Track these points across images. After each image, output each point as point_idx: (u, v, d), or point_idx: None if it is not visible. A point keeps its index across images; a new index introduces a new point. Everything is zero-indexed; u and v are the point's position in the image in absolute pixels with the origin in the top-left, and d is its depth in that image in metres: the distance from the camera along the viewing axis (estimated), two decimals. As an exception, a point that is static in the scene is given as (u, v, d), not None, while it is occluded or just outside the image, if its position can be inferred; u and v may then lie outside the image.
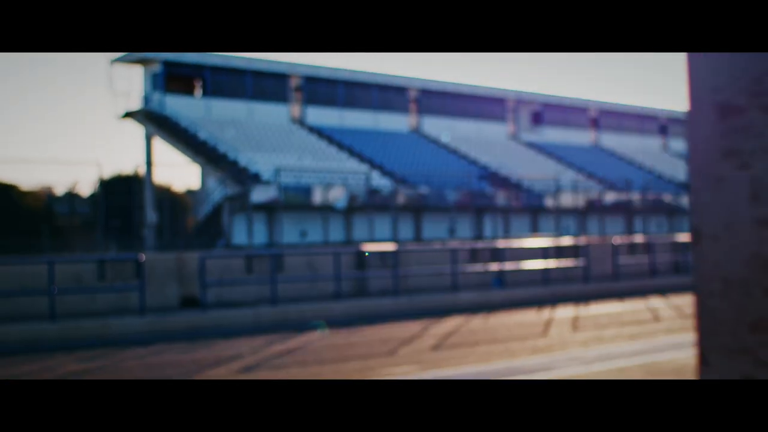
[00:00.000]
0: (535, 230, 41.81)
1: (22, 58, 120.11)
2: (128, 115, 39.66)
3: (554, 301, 20.96)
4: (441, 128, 48.15)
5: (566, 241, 27.24)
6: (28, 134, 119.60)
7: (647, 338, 13.16)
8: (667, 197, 47.70)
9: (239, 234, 33.82)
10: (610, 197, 45.14)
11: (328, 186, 35.75)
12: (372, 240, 33.56)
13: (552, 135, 53.48)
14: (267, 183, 34.77)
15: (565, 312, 18.25)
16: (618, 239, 27.87)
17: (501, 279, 22.88)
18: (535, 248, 24.22)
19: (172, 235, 35.46)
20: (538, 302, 20.69)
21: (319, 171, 36.85)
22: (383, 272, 21.03)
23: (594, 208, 43.89)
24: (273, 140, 40.11)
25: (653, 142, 59.59)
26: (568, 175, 46.30)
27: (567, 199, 42.77)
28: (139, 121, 39.82)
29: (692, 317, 16.38)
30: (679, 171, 55.12)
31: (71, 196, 38.04)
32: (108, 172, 40.18)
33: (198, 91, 41.53)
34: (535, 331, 14.61)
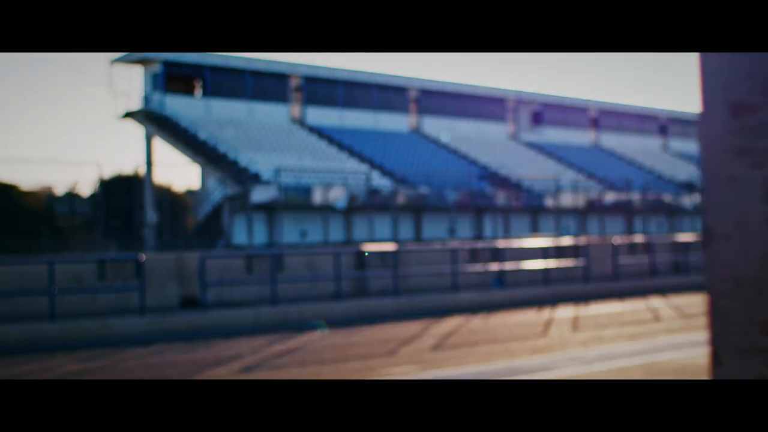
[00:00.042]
0: (535, 230, 41.81)
1: (22, 58, 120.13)
2: (128, 115, 39.66)
3: (554, 301, 20.95)
4: (441, 128, 48.15)
5: (566, 241, 27.24)
6: (28, 134, 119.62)
7: (647, 338, 13.16)
8: (667, 197, 47.70)
9: (239, 234, 33.82)
10: (610, 197, 45.14)
11: (328, 186, 35.75)
12: (372, 240, 33.56)
13: (552, 135, 53.48)
14: (267, 183, 34.77)
15: (565, 312, 18.25)
16: (618, 239, 27.87)
17: (501, 279, 22.88)
18: (535, 248, 24.22)
19: (172, 235, 35.46)
20: (538, 302, 20.69)
21: (319, 171, 36.85)
22: (383, 272, 21.03)
23: (594, 208, 43.89)
24: (273, 140, 40.11)
25: (653, 142, 59.58)
26: (568, 175, 46.30)
27: (567, 199, 42.76)
28: (139, 121, 39.82)
29: (692, 317, 16.40)
30: (679, 171, 55.12)
31: (71, 196, 38.05)
32: (108, 172, 40.20)
33: (198, 91, 41.53)
34: (535, 331, 14.61)
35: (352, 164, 40.06)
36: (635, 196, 45.62)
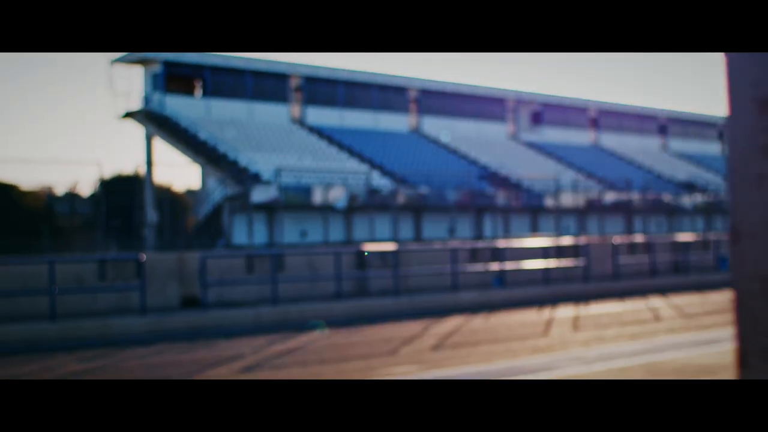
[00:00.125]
0: (535, 230, 41.80)
1: (22, 58, 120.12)
2: (128, 115, 39.65)
3: (555, 300, 20.95)
4: (441, 128, 48.14)
5: (566, 240, 27.24)
6: (28, 134, 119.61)
7: (648, 338, 13.16)
8: (667, 197, 47.70)
9: (239, 234, 33.81)
10: (610, 197, 45.14)
11: (328, 186, 35.74)
12: (372, 240, 33.56)
13: (552, 135, 53.47)
14: (267, 183, 34.77)
15: (565, 312, 18.25)
16: (618, 239, 27.87)
17: (501, 279, 22.87)
18: (535, 248, 24.22)
19: (172, 235, 35.45)
20: (539, 302, 20.69)
21: (319, 171, 36.85)
22: (384, 272, 21.03)
23: (594, 207, 43.89)
24: (273, 140, 40.10)
25: (653, 142, 59.58)
26: (567, 175, 46.30)
27: (567, 199, 42.76)
28: (140, 121, 39.81)
29: (693, 317, 16.40)
30: (678, 171, 55.13)
31: (71, 196, 38.04)
32: (108, 172, 40.19)
33: (198, 91, 41.52)
34: (536, 331, 14.61)
35: (352, 164, 40.06)
36: (635, 196, 45.62)
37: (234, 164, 36.59)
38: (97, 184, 31.54)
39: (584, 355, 11.33)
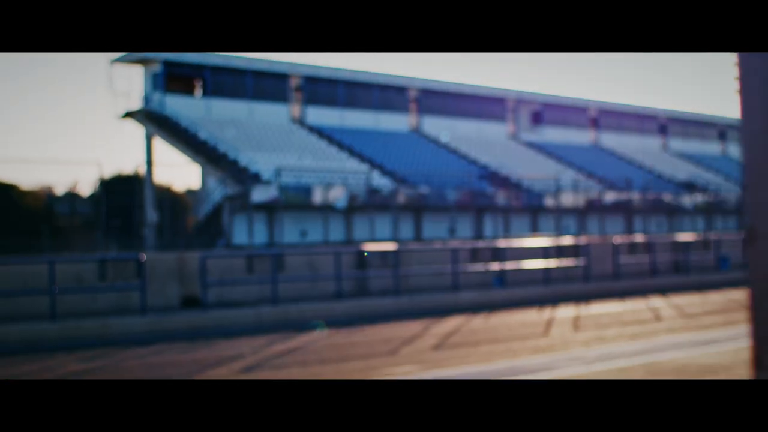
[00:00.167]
0: (535, 230, 41.79)
1: (22, 58, 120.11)
2: (128, 115, 39.63)
3: (555, 300, 20.95)
4: (441, 128, 48.13)
5: (566, 240, 27.24)
6: (28, 134, 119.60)
7: (648, 338, 13.15)
8: (667, 197, 47.69)
9: (239, 234, 33.80)
10: (610, 197, 45.13)
11: (328, 186, 35.73)
12: (372, 240, 33.55)
13: (552, 135, 53.46)
14: (267, 183, 34.75)
15: (566, 311, 18.24)
16: (618, 239, 27.86)
17: (502, 278, 22.87)
18: (535, 248, 24.21)
19: (172, 235, 35.45)
20: (539, 302, 20.69)
21: (319, 171, 36.84)
22: (384, 272, 21.02)
23: (594, 207, 43.87)
24: (273, 140, 40.09)
25: (653, 142, 59.56)
26: (568, 175, 46.29)
27: (567, 199, 42.75)
28: (140, 121, 39.80)
29: (693, 317, 16.39)
30: (678, 170, 55.12)
31: (71, 196, 38.02)
32: (108, 172, 40.15)
33: (198, 91, 41.50)
34: (536, 331, 14.60)
35: (353, 164, 40.04)
36: (635, 196, 45.61)
37: (234, 164, 36.58)
38: (97, 184, 31.53)
39: (585, 355, 11.33)
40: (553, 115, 53.97)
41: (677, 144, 60.92)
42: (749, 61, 2.81)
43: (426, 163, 42.75)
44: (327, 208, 35.72)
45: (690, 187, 51.52)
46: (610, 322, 15.78)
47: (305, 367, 10.97)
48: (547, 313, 18.03)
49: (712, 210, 48.73)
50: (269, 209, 34.63)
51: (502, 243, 24.93)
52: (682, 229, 45.21)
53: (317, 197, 35.23)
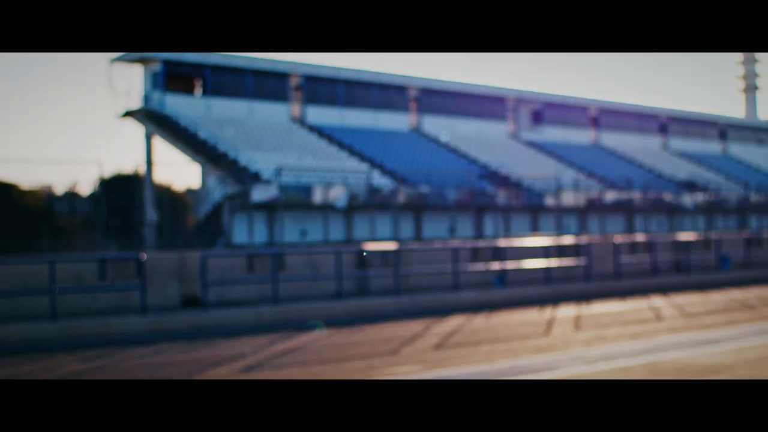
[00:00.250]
0: (535, 229, 41.78)
1: (22, 58, 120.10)
2: (128, 114, 39.61)
3: (556, 300, 20.93)
4: (441, 127, 48.10)
5: (567, 240, 27.21)
6: (28, 134, 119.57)
7: (650, 337, 13.13)
8: (668, 196, 47.67)
9: (239, 233, 33.78)
10: (611, 196, 45.11)
11: (328, 185, 35.71)
12: (372, 239, 33.53)
13: (552, 134, 53.43)
14: (267, 182, 34.73)
15: (566, 311, 18.22)
16: (619, 238, 27.84)
17: (502, 278, 22.84)
18: (536, 247, 24.19)
19: (172, 234, 35.43)
20: (540, 301, 20.67)
21: (319, 170, 36.82)
22: (384, 271, 21.00)
23: (594, 206, 43.85)
24: (273, 139, 40.07)
25: (653, 141, 59.54)
26: (568, 174, 46.27)
27: (567, 198, 42.73)
28: (139, 120, 39.77)
29: (694, 316, 16.36)
30: (679, 170, 55.10)
31: (71, 196, 38.01)
32: (108, 172, 40.16)
33: (198, 90, 41.48)
34: (537, 331, 14.58)
35: (353, 163, 40.02)
36: (636, 195, 45.60)
37: (234, 163, 36.56)
38: (97, 184, 31.52)
39: (586, 354, 11.31)
40: (553, 115, 53.94)
41: (678, 143, 60.89)
42: None
43: (426, 163, 42.73)
44: (327, 208, 35.70)
45: (691, 186, 51.51)
46: (611, 322, 15.76)
47: (306, 367, 10.95)
48: (548, 312, 18.01)
49: (712, 209, 48.72)
50: (269, 209, 34.61)
51: (502, 242, 24.91)
52: (682, 229, 45.19)
53: (317, 197, 35.22)
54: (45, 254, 25.39)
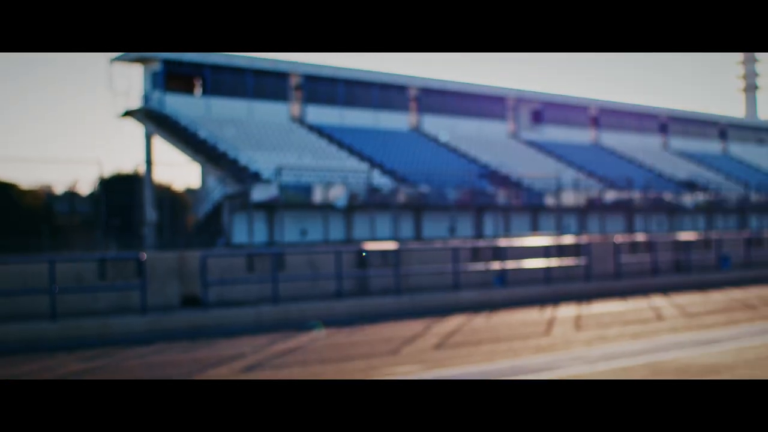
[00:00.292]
0: (535, 229, 41.77)
1: (22, 58, 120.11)
2: (128, 114, 39.59)
3: (556, 299, 20.92)
4: (441, 127, 48.09)
5: (567, 239, 27.20)
6: (28, 134, 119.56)
7: (650, 337, 13.12)
8: (668, 196, 47.67)
9: (239, 233, 33.77)
10: (611, 196, 45.10)
11: (328, 185, 35.70)
12: (372, 239, 33.52)
13: (552, 133, 53.42)
14: (267, 182, 34.72)
15: (567, 311, 18.21)
16: (620, 238, 27.83)
17: (503, 278, 22.83)
18: (536, 247, 24.18)
19: (172, 234, 35.43)
20: (540, 301, 20.66)
21: (319, 170, 36.81)
22: (385, 271, 20.98)
23: (594, 206, 43.85)
24: (273, 139, 40.06)
25: (653, 141, 59.54)
26: (568, 174, 46.25)
27: (568, 198, 42.72)
28: (139, 119, 39.76)
29: (695, 316, 16.35)
30: (679, 169, 55.08)
31: (71, 195, 38.00)
32: (108, 171, 40.12)
33: (198, 90, 41.47)
34: (537, 330, 14.57)
35: (353, 163, 40.01)
36: (636, 195, 45.59)
37: (234, 163, 36.55)
38: (97, 183, 31.52)
39: (587, 354, 11.30)
40: (553, 114, 53.93)
41: (678, 143, 60.88)
42: None
43: (426, 162, 42.71)
44: (327, 207, 35.70)
45: (691, 186, 51.50)
46: (612, 322, 15.75)
47: (306, 367, 10.94)
48: (548, 312, 18.00)
49: (712, 209, 48.71)
50: (269, 208, 34.60)
51: (502, 242, 24.90)
52: (682, 229, 45.18)
53: (317, 196, 35.21)
54: (45, 254, 25.38)
